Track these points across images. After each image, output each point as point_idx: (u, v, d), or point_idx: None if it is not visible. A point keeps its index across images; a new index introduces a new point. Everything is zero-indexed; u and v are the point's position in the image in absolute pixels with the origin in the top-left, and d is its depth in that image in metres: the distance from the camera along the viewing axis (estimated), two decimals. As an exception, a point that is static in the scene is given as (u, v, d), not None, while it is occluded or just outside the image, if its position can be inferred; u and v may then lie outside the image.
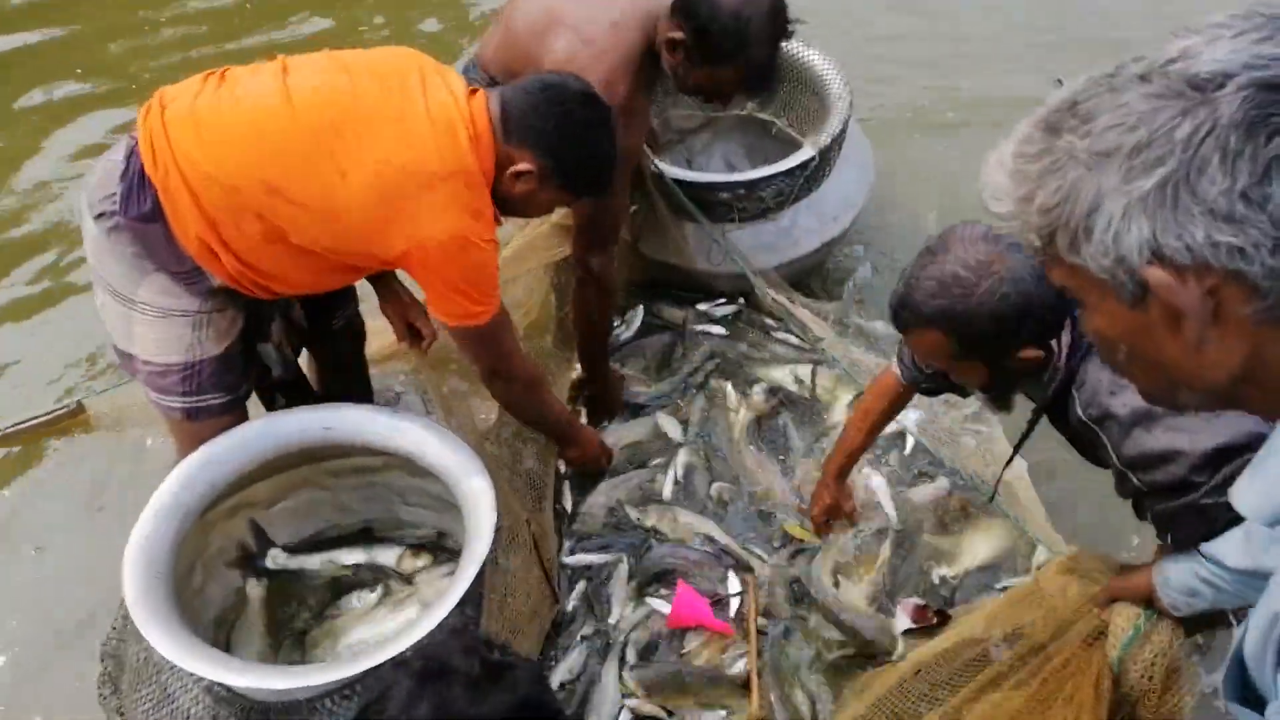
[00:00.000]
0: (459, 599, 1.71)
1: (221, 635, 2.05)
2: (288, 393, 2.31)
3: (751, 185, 2.73)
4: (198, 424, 2.00)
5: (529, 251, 2.55)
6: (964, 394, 2.02)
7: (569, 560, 2.37)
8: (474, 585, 1.75)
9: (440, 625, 1.67)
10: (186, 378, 1.93)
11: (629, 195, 2.46)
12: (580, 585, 2.31)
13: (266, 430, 2.01)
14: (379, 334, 2.45)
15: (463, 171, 1.75)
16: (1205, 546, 1.47)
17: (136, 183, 1.77)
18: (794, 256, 2.90)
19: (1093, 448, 1.59)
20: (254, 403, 2.28)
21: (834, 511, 2.26)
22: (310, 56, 1.85)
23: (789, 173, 2.72)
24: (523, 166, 1.80)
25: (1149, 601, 1.65)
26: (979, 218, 1.43)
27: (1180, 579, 1.54)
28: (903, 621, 2.11)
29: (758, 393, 2.69)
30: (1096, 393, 1.50)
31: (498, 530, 1.84)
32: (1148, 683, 1.65)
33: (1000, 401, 1.79)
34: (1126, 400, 1.46)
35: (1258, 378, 0.76)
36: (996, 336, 1.50)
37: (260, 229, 1.76)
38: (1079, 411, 1.53)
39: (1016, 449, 1.92)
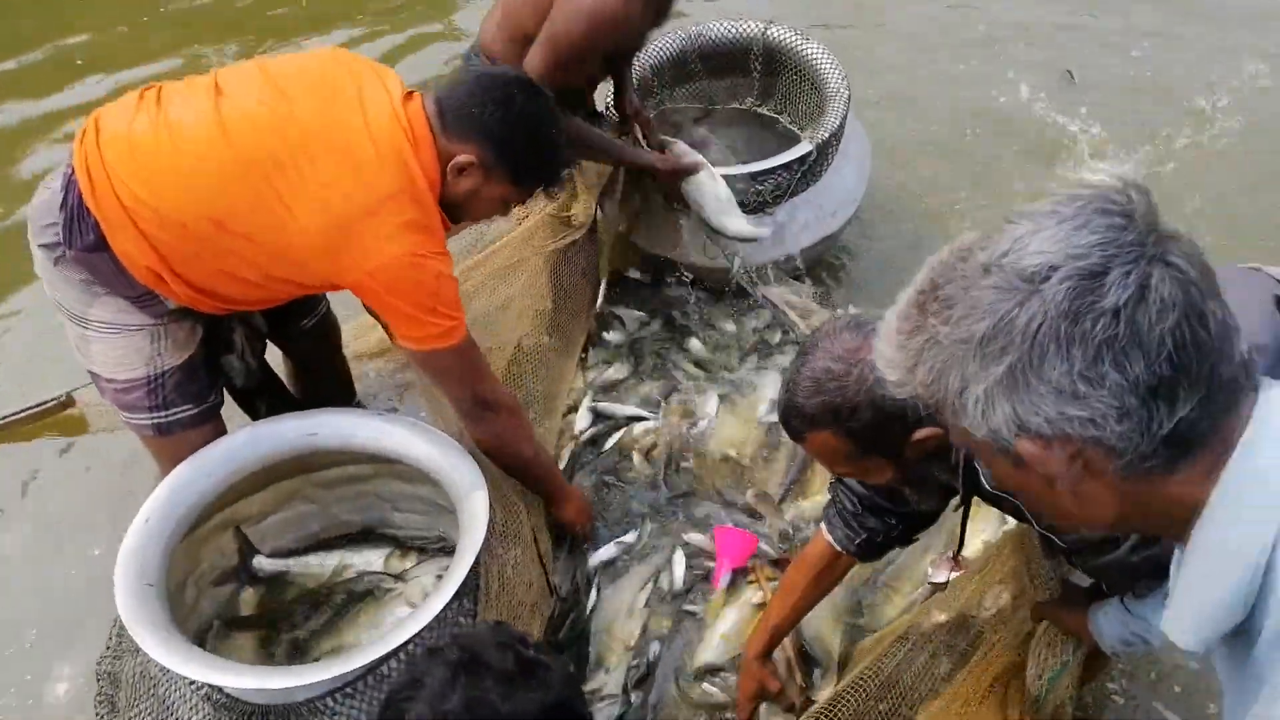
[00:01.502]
0: (454, 590, 1.70)
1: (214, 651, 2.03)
2: (270, 400, 2.29)
3: (751, 178, 2.71)
4: (172, 439, 1.98)
5: (524, 244, 2.52)
6: (907, 542, 1.87)
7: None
8: (470, 576, 1.74)
9: (438, 618, 1.67)
10: (151, 391, 1.91)
11: (577, 80, 2.45)
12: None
13: (252, 439, 2.00)
14: (367, 331, 2.43)
15: (408, 187, 1.72)
16: (1133, 606, 1.46)
17: (77, 213, 1.72)
18: (790, 252, 2.88)
19: (1016, 512, 1.54)
20: (239, 414, 2.28)
21: (761, 696, 1.99)
22: (243, 71, 1.81)
23: (787, 166, 2.71)
24: (464, 158, 1.77)
25: (1080, 637, 1.65)
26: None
27: (1113, 631, 1.53)
28: (940, 575, 2.08)
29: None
30: None
31: (493, 521, 1.83)
32: (1062, 710, 1.70)
33: (925, 494, 1.68)
34: None
35: (1140, 514, 0.86)
36: (883, 424, 1.40)
37: (208, 258, 1.74)
38: (987, 484, 1.45)
39: (960, 542, 1.80)
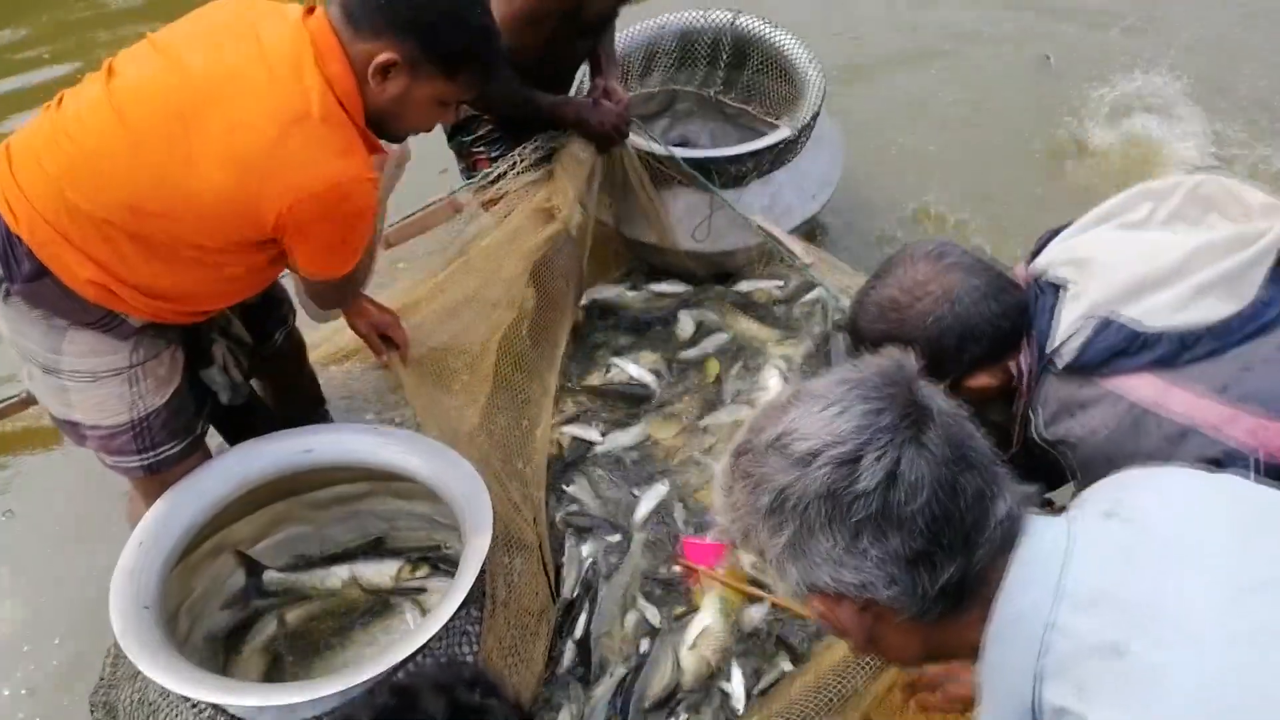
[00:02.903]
0: (459, 602, 1.67)
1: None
2: (258, 420, 2.24)
3: (735, 160, 2.79)
4: (161, 476, 1.92)
5: (508, 243, 2.47)
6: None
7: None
8: (476, 586, 1.71)
9: (444, 629, 1.64)
10: (137, 435, 1.84)
11: (529, 41, 2.37)
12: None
13: (245, 458, 1.96)
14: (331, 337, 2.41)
15: (317, 107, 1.56)
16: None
17: (8, 244, 1.64)
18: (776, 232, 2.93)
19: (1054, 469, 1.51)
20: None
21: None
22: (134, 50, 1.68)
23: (770, 149, 2.80)
24: (384, 57, 1.58)
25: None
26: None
27: None
28: None
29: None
30: (1057, 413, 1.43)
31: (496, 531, 1.81)
32: None
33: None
34: (1087, 423, 1.39)
35: (946, 651, 0.95)
36: (938, 361, 1.36)
37: (142, 252, 1.64)
38: (1036, 432, 1.46)
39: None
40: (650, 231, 2.90)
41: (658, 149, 2.77)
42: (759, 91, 3.24)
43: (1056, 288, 1.44)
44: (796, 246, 2.69)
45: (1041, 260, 1.50)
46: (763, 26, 3.13)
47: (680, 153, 2.80)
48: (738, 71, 3.25)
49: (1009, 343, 1.45)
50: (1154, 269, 1.36)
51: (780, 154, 2.85)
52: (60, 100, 1.68)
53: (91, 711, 1.80)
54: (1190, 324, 1.32)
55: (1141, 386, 1.34)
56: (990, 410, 1.51)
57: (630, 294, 2.98)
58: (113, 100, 1.60)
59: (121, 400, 1.80)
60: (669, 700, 1.99)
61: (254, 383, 2.29)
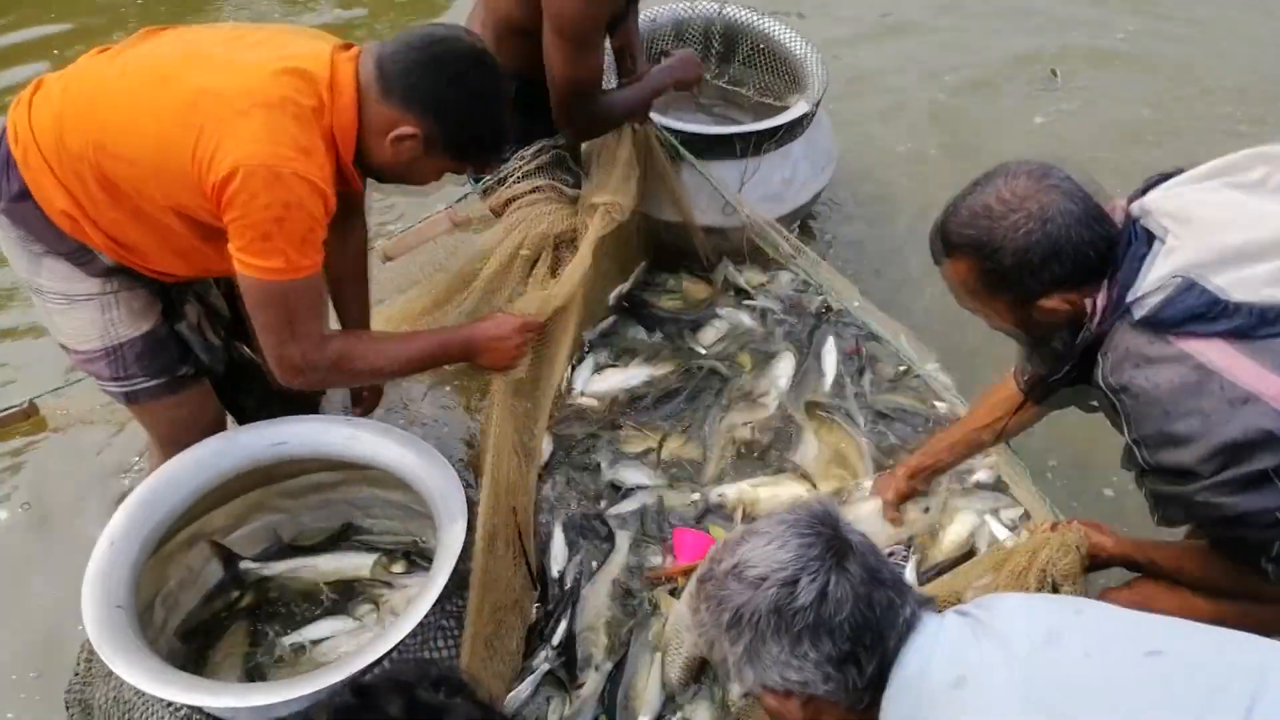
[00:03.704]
0: (435, 597, 1.68)
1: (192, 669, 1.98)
2: (258, 397, 2.22)
3: (761, 135, 2.85)
4: (142, 406, 1.97)
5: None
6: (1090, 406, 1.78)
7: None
8: (451, 580, 1.72)
9: (420, 625, 1.65)
10: (111, 362, 1.89)
11: (602, 55, 2.43)
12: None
13: (217, 451, 1.95)
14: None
15: (290, 103, 1.59)
16: None
17: (5, 163, 1.72)
18: (797, 205, 3.09)
19: (1112, 414, 1.55)
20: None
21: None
22: (167, 31, 1.76)
23: (785, 125, 2.87)
24: (406, 130, 1.65)
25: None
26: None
27: None
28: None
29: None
30: (1123, 362, 1.44)
31: (471, 524, 1.81)
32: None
33: (1039, 356, 1.71)
34: (1152, 376, 1.41)
35: None
36: (1019, 274, 1.45)
37: (108, 197, 1.69)
38: (1100, 377, 1.49)
39: (1047, 392, 1.81)
40: (670, 209, 2.91)
41: (689, 127, 2.81)
42: (753, 74, 3.31)
43: (1152, 237, 1.45)
44: (781, 239, 2.71)
45: (1142, 204, 1.49)
46: (748, 14, 3.23)
47: (713, 128, 2.86)
48: (730, 57, 3.32)
49: (1091, 273, 1.47)
50: (1253, 240, 1.37)
51: (801, 126, 2.95)
52: (107, 49, 1.76)
53: (66, 709, 1.80)
54: (1276, 301, 1.33)
55: (1210, 350, 1.36)
56: (1056, 337, 1.57)
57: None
58: (124, 57, 1.70)
59: (94, 325, 1.85)
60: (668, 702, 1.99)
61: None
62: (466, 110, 1.69)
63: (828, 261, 2.93)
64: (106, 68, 1.71)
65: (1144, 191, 1.53)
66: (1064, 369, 1.60)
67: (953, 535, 2.20)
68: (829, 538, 1.17)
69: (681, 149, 2.74)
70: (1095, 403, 1.80)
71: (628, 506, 2.34)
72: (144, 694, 1.64)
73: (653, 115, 2.69)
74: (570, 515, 2.32)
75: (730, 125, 3.00)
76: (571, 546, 2.26)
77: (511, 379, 2.10)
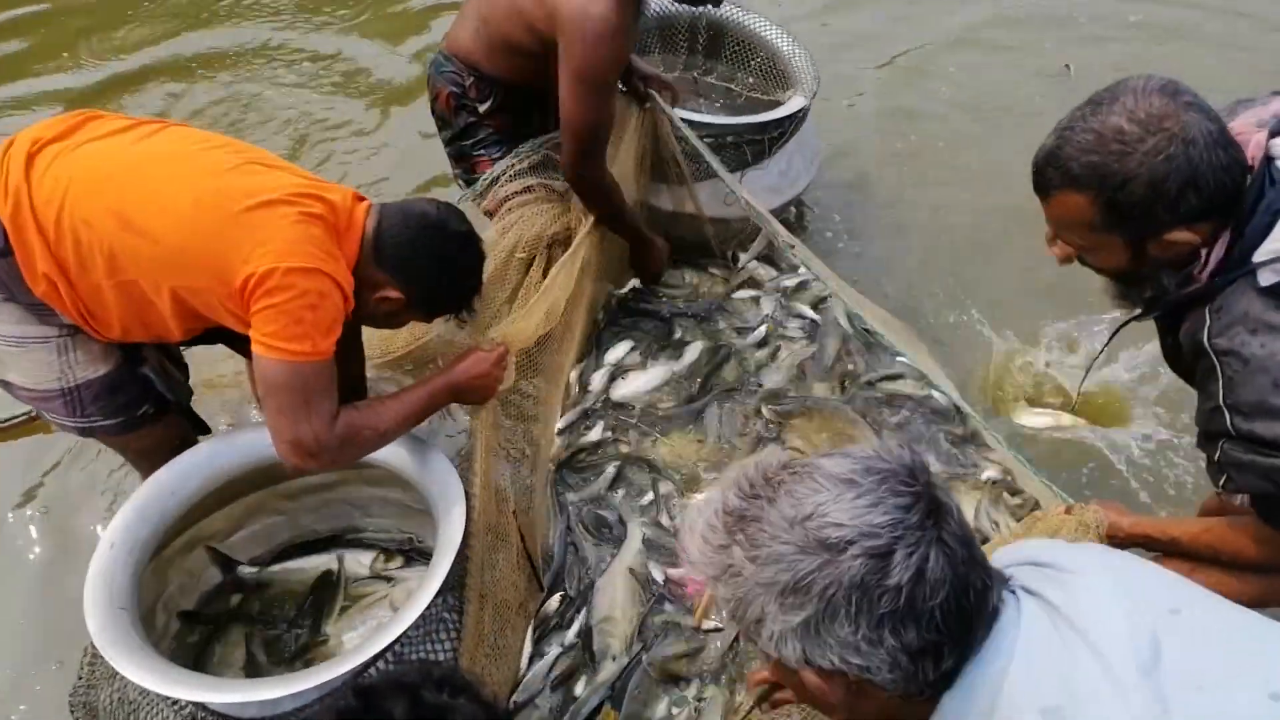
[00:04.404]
0: (435, 590, 1.69)
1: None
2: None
3: (761, 128, 2.92)
4: (103, 439, 1.97)
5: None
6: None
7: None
8: (452, 573, 1.73)
9: (421, 617, 1.66)
10: (68, 402, 1.88)
11: (614, 109, 2.48)
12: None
13: (213, 454, 1.96)
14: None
15: (321, 219, 1.71)
16: None
17: None
18: (791, 197, 3.18)
19: (1191, 370, 1.45)
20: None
21: None
22: (188, 128, 1.86)
23: (791, 118, 2.95)
24: (391, 294, 1.81)
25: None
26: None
27: None
28: None
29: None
30: (1236, 324, 1.34)
31: (471, 520, 1.83)
32: None
33: (1133, 295, 1.54)
34: (1269, 345, 1.30)
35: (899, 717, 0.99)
36: (1150, 206, 1.29)
37: (106, 269, 1.69)
38: (1205, 335, 1.36)
39: (1112, 334, 1.75)
40: (673, 198, 2.98)
41: (705, 119, 2.86)
42: (741, 68, 3.37)
43: None
44: (779, 228, 2.74)
45: None
46: (733, 10, 3.27)
47: (714, 119, 2.90)
48: (717, 53, 3.38)
49: (1224, 204, 1.31)
50: None
51: (799, 121, 3.01)
52: (94, 117, 1.80)
53: (71, 712, 1.80)
54: None
55: None
56: (1166, 275, 1.42)
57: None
58: (151, 145, 1.76)
59: (50, 368, 1.84)
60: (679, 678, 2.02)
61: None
62: (450, 286, 1.88)
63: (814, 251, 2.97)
64: (130, 148, 1.75)
65: (1277, 131, 1.36)
66: (1156, 313, 1.47)
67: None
68: (928, 500, 0.93)
69: (694, 138, 2.75)
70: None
71: (640, 501, 2.38)
72: (149, 694, 1.65)
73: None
74: (580, 509, 2.35)
75: (741, 116, 3.03)
76: (580, 544, 2.28)
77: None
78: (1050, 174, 1.37)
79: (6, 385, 1.89)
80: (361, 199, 1.84)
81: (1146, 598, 0.98)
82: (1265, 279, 1.30)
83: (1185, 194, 1.29)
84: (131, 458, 2.07)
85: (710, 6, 2.62)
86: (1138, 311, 1.56)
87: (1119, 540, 1.69)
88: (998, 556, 1.08)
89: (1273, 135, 1.35)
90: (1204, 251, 1.35)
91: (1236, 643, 0.96)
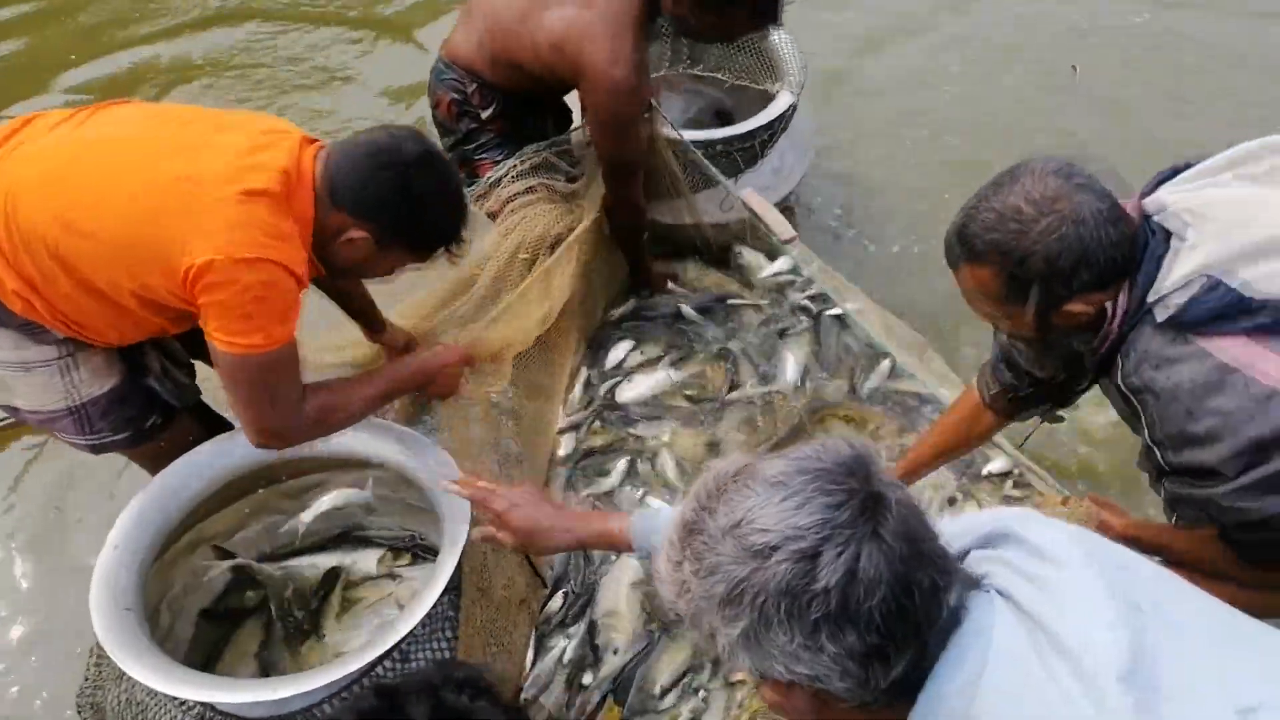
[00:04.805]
0: (442, 588, 1.69)
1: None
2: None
3: (749, 135, 2.94)
4: (115, 452, 1.95)
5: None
6: (1048, 413, 1.87)
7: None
8: (457, 572, 1.74)
9: (428, 615, 1.67)
10: (76, 420, 1.86)
11: (642, 140, 2.59)
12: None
13: (215, 454, 1.96)
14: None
15: (263, 190, 1.61)
16: None
17: None
18: (786, 192, 3.20)
19: (1131, 416, 1.52)
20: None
21: None
22: (126, 107, 1.76)
23: (781, 118, 2.97)
24: (355, 235, 1.70)
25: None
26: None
27: None
28: None
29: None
30: (1142, 363, 1.42)
31: (474, 518, 1.83)
32: None
33: (1048, 358, 1.69)
34: (1172, 376, 1.37)
35: None
36: (1047, 280, 1.39)
37: (62, 273, 1.64)
38: (1120, 378, 1.46)
39: (1064, 403, 1.84)
40: (671, 212, 3.01)
41: (693, 134, 2.88)
42: (727, 59, 3.34)
43: (1169, 234, 1.41)
44: (778, 225, 2.75)
45: (1155, 201, 1.45)
46: None
47: (700, 134, 2.91)
48: (702, 45, 3.36)
49: (1117, 274, 1.41)
50: (1276, 235, 1.33)
51: (787, 119, 3.02)
52: (25, 123, 1.73)
53: (79, 713, 1.81)
54: None
55: (1233, 348, 1.33)
56: (1074, 339, 1.53)
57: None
58: (87, 132, 1.68)
59: (55, 389, 1.81)
60: (680, 679, 2.02)
61: None
62: (416, 214, 1.72)
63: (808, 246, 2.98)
64: (65, 141, 1.67)
65: (1155, 187, 1.49)
66: (1089, 377, 1.58)
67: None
68: (863, 496, 0.88)
69: (692, 147, 2.79)
70: (1063, 415, 1.90)
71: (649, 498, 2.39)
72: (156, 694, 1.66)
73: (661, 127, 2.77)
74: (591, 507, 2.37)
75: (722, 129, 3.02)
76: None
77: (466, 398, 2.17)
78: (958, 249, 1.47)
79: (13, 410, 1.86)
80: (313, 141, 1.74)
81: (1126, 590, 0.93)
82: (1159, 315, 1.39)
83: (1078, 269, 1.39)
84: (148, 466, 2.05)
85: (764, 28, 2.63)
86: (1085, 383, 1.68)
87: (1110, 539, 1.70)
88: (972, 520, 1.06)
89: (1144, 196, 1.48)
90: (1109, 306, 1.45)
91: (1215, 649, 0.93)
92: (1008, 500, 2.28)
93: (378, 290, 2.16)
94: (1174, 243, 1.40)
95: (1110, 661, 0.86)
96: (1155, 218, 1.44)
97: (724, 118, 3.36)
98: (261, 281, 1.58)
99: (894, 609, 0.86)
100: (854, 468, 0.91)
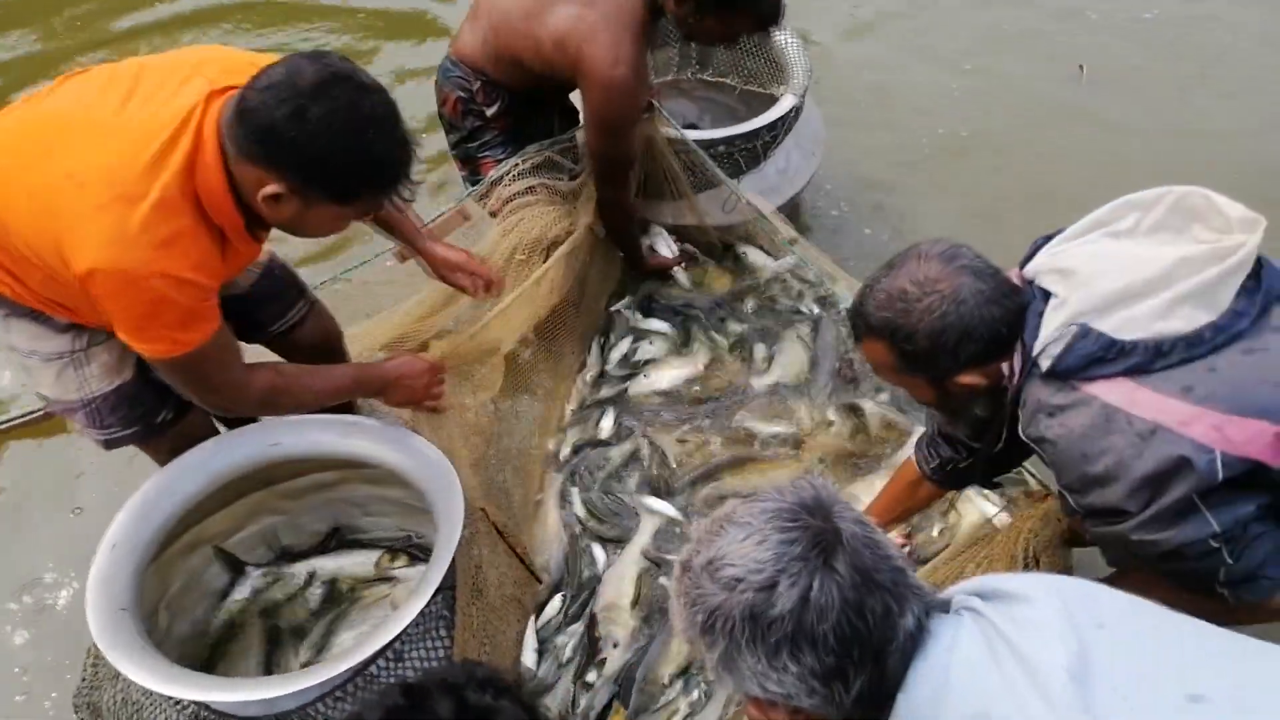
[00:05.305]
0: (435, 588, 1.69)
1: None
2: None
3: (751, 135, 2.92)
4: (126, 447, 1.96)
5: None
6: (986, 482, 1.97)
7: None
8: (450, 571, 1.74)
9: (421, 614, 1.67)
10: (88, 413, 1.88)
11: (635, 144, 2.60)
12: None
13: (212, 454, 1.96)
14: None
15: (157, 192, 1.48)
16: None
17: None
18: (792, 194, 3.17)
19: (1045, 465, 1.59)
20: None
21: None
22: (73, 80, 1.66)
23: (782, 119, 2.95)
24: (270, 190, 1.50)
25: None
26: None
27: None
28: None
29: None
30: (1036, 414, 1.50)
31: (469, 517, 1.83)
32: None
33: (959, 422, 1.79)
34: (1065, 422, 1.45)
35: None
36: (934, 354, 1.50)
37: (16, 261, 1.63)
38: (1021, 431, 1.54)
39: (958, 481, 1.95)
40: (673, 212, 3.01)
41: (695, 134, 2.86)
42: (734, 64, 3.37)
43: (1048, 295, 1.50)
44: (781, 225, 2.75)
45: (1032, 267, 1.56)
46: None
47: (702, 134, 2.90)
48: (709, 48, 3.38)
49: (1003, 346, 1.52)
50: (1135, 281, 1.42)
51: (791, 120, 3.02)
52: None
53: (76, 712, 1.82)
54: (1165, 333, 1.38)
55: (1113, 390, 1.40)
56: (976, 405, 1.64)
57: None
58: (31, 110, 1.63)
59: (70, 381, 1.84)
60: (683, 672, 2.04)
61: None
62: (323, 147, 1.47)
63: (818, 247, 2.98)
64: (19, 122, 1.62)
65: (1030, 256, 1.59)
66: (993, 432, 1.67)
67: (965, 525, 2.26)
68: (816, 531, 1.01)
69: (694, 146, 2.79)
70: (999, 482, 2.03)
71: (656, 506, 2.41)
72: (152, 694, 1.67)
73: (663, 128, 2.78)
74: (589, 497, 2.40)
75: (723, 129, 3.02)
76: (581, 537, 2.31)
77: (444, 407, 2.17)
78: (858, 324, 1.59)
79: (44, 398, 1.91)
80: (223, 92, 1.56)
81: (1084, 614, 1.03)
82: (1043, 365, 1.47)
83: (963, 344, 1.49)
84: (161, 460, 2.04)
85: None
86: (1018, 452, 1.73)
87: (1087, 538, 1.73)
88: (959, 588, 1.14)
89: (1024, 264, 1.58)
90: (1005, 367, 1.54)
91: (1166, 654, 1.02)
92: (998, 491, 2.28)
93: (368, 294, 2.17)
94: (1050, 301, 1.49)
95: (1060, 663, 0.96)
96: (1035, 281, 1.54)
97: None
98: (148, 299, 1.50)
99: (847, 632, 0.98)
100: (813, 507, 1.04)
